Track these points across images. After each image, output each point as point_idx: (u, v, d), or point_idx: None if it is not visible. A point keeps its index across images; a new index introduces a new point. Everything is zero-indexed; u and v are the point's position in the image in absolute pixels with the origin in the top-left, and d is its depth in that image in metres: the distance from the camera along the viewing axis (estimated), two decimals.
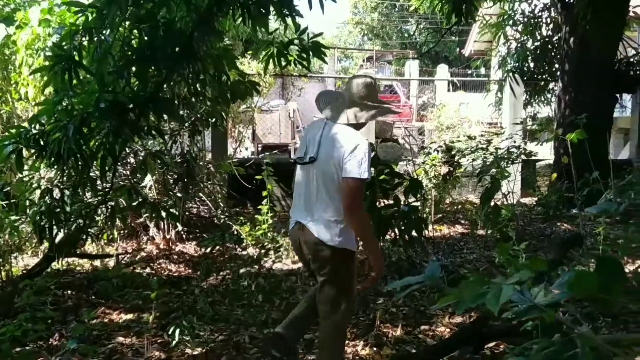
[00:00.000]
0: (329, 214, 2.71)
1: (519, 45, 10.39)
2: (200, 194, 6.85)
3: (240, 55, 8.87)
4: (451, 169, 7.02)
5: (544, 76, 10.36)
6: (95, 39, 3.41)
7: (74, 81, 3.37)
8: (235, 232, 5.89)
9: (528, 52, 10.20)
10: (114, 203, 4.69)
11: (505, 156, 6.07)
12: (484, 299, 1.14)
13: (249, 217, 6.69)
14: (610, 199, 6.44)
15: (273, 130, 11.94)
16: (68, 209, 4.18)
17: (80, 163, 3.58)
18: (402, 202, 5.04)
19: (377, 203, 4.90)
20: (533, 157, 6.53)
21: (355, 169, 2.59)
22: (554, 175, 5.74)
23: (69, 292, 4.52)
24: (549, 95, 10.67)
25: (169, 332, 3.47)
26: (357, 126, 2.80)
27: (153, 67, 3.71)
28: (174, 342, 3.38)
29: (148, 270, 5.31)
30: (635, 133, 9.71)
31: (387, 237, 5.16)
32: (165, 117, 5.45)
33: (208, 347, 3.47)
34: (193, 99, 5.26)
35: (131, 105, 3.57)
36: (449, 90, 17.52)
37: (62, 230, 4.30)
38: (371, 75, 2.90)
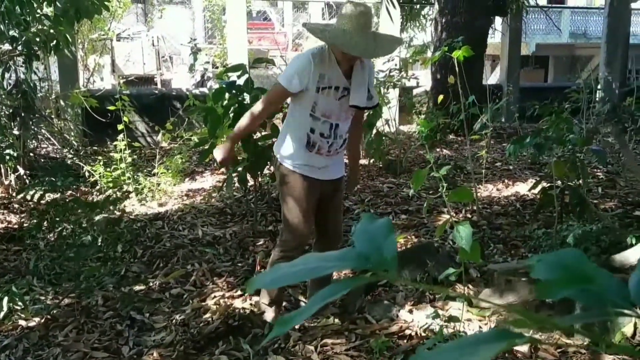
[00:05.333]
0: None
1: None
2: (45, 132, 5.85)
3: None
4: None
5: None
6: None
7: None
8: (88, 174, 5.08)
9: None
10: None
11: (387, 80, 5.72)
12: None
13: (109, 156, 5.88)
14: (486, 122, 6.44)
15: (135, 60, 10.75)
16: None
17: None
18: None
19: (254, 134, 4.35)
20: (414, 79, 6.26)
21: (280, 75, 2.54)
22: (441, 97, 5.51)
23: None
24: (424, 21, 10.50)
25: None
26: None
27: None
28: (1, 314, 2.69)
29: None
30: (506, 58, 9.84)
31: (266, 171, 4.65)
32: None
33: (48, 315, 2.82)
34: (20, 13, 4.34)
35: None
36: (323, 18, 16.96)
37: None
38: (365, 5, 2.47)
